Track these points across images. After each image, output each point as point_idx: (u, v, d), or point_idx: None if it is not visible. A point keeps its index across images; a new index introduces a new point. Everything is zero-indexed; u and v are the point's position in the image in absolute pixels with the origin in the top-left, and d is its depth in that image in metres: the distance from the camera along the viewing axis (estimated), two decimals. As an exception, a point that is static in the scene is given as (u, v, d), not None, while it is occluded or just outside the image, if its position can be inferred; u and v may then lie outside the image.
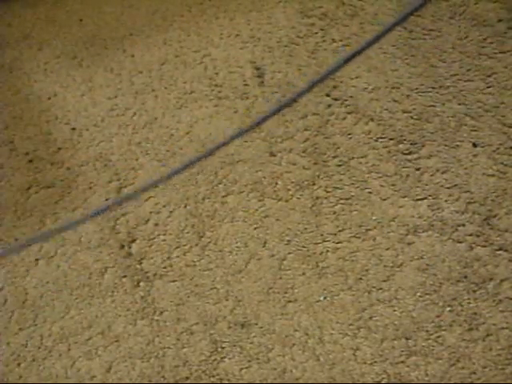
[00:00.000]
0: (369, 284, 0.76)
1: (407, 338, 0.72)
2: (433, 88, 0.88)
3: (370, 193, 0.82)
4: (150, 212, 0.87)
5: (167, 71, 1.00)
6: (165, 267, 0.82)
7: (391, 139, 0.85)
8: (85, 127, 0.98)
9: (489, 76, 0.87)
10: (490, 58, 0.88)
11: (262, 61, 0.97)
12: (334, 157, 0.86)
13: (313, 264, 0.78)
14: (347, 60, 0.18)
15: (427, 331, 0.72)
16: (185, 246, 0.83)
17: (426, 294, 0.74)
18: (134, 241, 0.85)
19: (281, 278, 0.78)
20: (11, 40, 1.12)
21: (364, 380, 0.71)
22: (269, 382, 0.73)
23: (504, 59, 0.88)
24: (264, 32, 1.00)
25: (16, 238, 0.89)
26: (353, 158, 0.85)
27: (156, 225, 0.86)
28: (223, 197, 0.86)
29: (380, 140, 0.86)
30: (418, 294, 0.74)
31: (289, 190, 0.84)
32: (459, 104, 0.86)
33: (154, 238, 0.85)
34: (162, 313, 0.80)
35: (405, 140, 0.85)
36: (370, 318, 0.74)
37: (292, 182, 0.84)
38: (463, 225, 0.77)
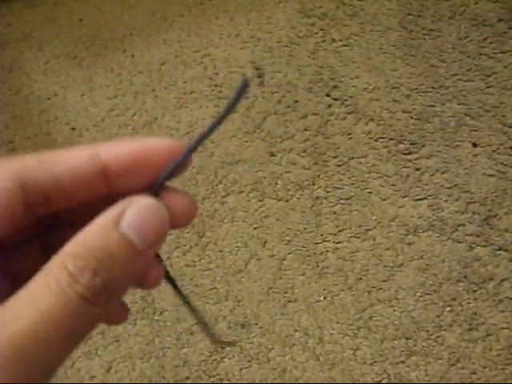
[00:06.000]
0: (369, 284, 0.76)
1: (407, 338, 0.72)
2: (433, 88, 0.88)
3: (370, 193, 0.82)
4: (150, 212, 0.87)
5: (167, 71, 1.00)
6: (165, 267, 0.82)
7: (391, 139, 0.85)
8: (85, 127, 0.98)
9: (489, 76, 0.87)
10: (490, 58, 0.88)
11: (262, 61, 0.97)
12: (334, 157, 0.86)
13: (313, 264, 0.78)
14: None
15: (427, 331, 0.72)
16: (185, 246, 0.83)
17: (426, 294, 0.74)
18: (133, 241, 0.85)
19: (281, 278, 0.78)
20: (11, 40, 1.12)
21: (364, 380, 0.71)
22: (269, 382, 0.73)
23: (504, 59, 0.88)
24: (264, 32, 1.00)
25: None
26: (353, 158, 0.85)
27: (156, 225, 0.86)
28: (223, 197, 0.86)
29: (380, 140, 0.86)
30: (418, 293, 0.74)
31: (289, 190, 0.84)
32: (459, 104, 0.86)
33: (154, 238, 0.85)
34: (161, 313, 0.80)
35: (405, 140, 0.85)
36: (370, 318, 0.74)
37: (292, 182, 0.84)
38: (463, 225, 0.77)
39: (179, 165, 0.19)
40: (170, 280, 0.24)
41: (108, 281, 0.17)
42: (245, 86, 0.19)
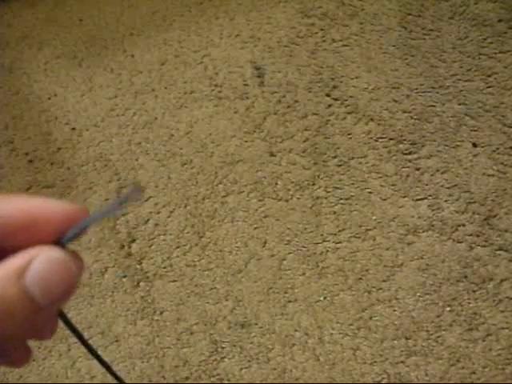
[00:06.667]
0: (369, 284, 0.76)
1: (407, 338, 0.72)
2: (433, 88, 0.88)
3: (370, 193, 0.82)
4: (150, 212, 0.87)
5: (167, 71, 1.00)
6: (165, 267, 0.82)
7: (391, 139, 0.85)
8: (85, 127, 0.98)
9: (489, 76, 0.87)
10: (490, 58, 0.88)
11: (262, 61, 0.97)
12: (334, 157, 0.86)
13: (313, 264, 0.78)
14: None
15: (427, 331, 0.72)
16: (185, 245, 0.83)
17: (426, 294, 0.74)
18: (134, 241, 0.85)
19: (281, 278, 0.78)
20: (11, 40, 1.12)
21: (364, 380, 0.71)
22: (269, 382, 0.73)
23: (504, 59, 0.88)
24: (264, 32, 1.00)
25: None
26: (353, 158, 0.85)
27: (156, 225, 0.86)
28: (223, 197, 0.86)
29: (380, 140, 0.86)
30: (418, 294, 0.74)
31: (289, 190, 0.84)
32: (459, 104, 0.86)
33: (154, 238, 0.85)
34: (161, 313, 0.80)
35: (405, 140, 0.85)
36: (370, 317, 0.74)
37: (292, 182, 0.84)
38: (463, 225, 0.77)
39: (83, 230, 0.18)
40: (69, 325, 0.22)
41: None
42: (136, 192, 0.18)
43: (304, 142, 0.87)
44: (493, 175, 0.80)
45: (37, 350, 0.81)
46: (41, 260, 0.16)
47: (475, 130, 0.83)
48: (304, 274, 0.78)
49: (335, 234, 0.80)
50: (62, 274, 0.17)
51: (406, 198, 0.80)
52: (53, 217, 0.18)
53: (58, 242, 0.18)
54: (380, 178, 0.82)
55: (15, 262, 0.16)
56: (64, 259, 0.17)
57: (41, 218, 0.18)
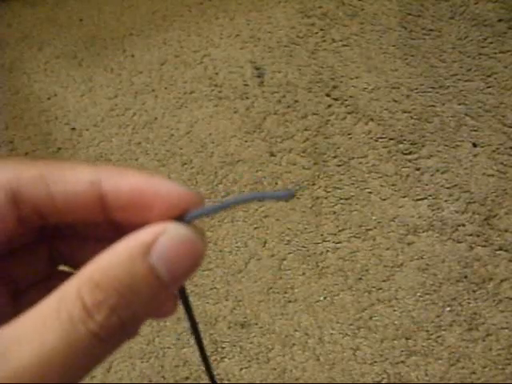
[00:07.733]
0: (369, 284, 0.76)
1: (407, 338, 0.72)
2: (433, 88, 0.88)
3: (370, 193, 0.82)
4: (150, 212, 0.87)
5: (167, 71, 1.00)
6: (165, 267, 0.82)
7: (391, 139, 0.85)
8: (85, 127, 0.98)
9: (489, 76, 0.87)
10: (490, 58, 0.88)
11: (261, 61, 0.97)
12: (334, 157, 0.86)
13: (313, 264, 0.78)
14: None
15: (427, 331, 0.72)
16: (185, 246, 0.83)
17: (426, 294, 0.74)
18: (133, 241, 0.85)
19: (281, 278, 0.78)
20: (11, 40, 1.12)
21: (364, 380, 0.71)
22: (269, 382, 0.73)
23: (504, 59, 0.88)
24: (264, 32, 1.00)
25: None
26: (353, 158, 0.85)
27: (156, 225, 0.85)
28: (223, 197, 0.86)
29: (380, 140, 0.86)
30: (418, 294, 0.74)
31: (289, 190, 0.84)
32: (459, 104, 0.86)
33: (154, 238, 0.85)
34: (161, 313, 0.80)
35: (405, 140, 0.85)
36: (370, 318, 0.74)
37: (292, 182, 0.84)
38: (463, 225, 0.77)
39: (211, 211, 0.18)
40: (186, 304, 0.21)
41: (126, 319, 0.15)
42: (287, 195, 0.17)
43: (304, 142, 0.87)
44: (493, 175, 0.80)
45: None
46: (168, 237, 0.16)
47: (475, 130, 0.83)
48: (304, 274, 0.78)
49: (335, 234, 0.80)
50: (190, 252, 0.16)
51: (406, 198, 0.80)
52: (168, 197, 0.18)
53: (180, 220, 0.17)
54: (380, 177, 0.82)
55: (141, 237, 0.16)
56: (192, 237, 0.17)
57: (155, 196, 0.17)
